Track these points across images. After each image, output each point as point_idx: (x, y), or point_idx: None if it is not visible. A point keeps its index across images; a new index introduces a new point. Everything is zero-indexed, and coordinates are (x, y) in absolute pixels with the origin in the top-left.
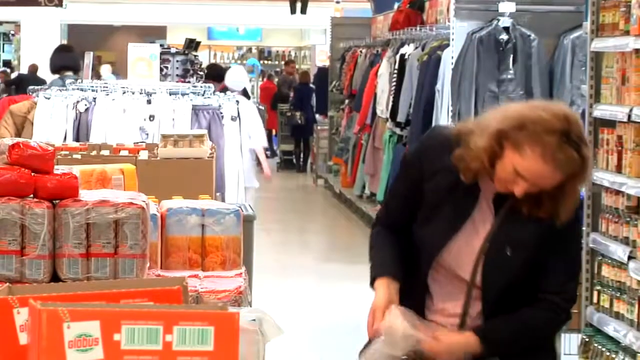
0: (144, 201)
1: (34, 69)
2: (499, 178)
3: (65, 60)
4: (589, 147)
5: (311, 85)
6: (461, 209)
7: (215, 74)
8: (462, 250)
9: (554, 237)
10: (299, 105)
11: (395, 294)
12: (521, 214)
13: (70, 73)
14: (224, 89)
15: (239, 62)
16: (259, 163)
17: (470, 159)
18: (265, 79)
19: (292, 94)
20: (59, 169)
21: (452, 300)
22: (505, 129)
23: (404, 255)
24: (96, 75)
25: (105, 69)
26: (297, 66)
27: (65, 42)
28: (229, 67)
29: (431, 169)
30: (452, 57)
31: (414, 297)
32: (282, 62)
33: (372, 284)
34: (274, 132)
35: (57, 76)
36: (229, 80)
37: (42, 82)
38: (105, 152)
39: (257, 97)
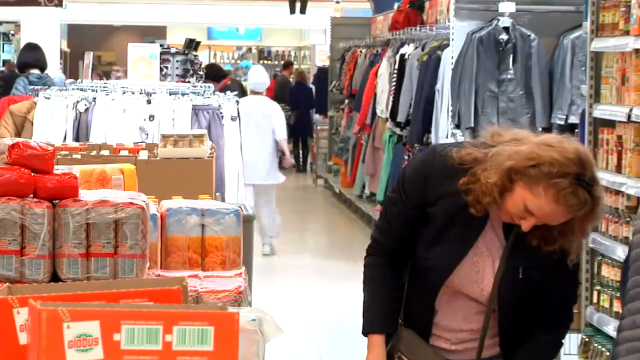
0: (144, 201)
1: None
2: (507, 211)
3: (31, 58)
4: (601, 187)
5: (310, 85)
6: (469, 233)
7: (214, 74)
8: (469, 273)
9: (560, 256)
10: (293, 105)
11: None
12: (530, 236)
13: (36, 71)
14: (224, 89)
15: (238, 62)
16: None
17: (481, 193)
18: (272, 79)
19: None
20: (59, 169)
21: (456, 316)
22: (518, 166)
23: (400, 291)
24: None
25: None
26: (296, 66)
27: (65, 42)
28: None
29: (435, 194)
30: (452, 57)
31: (420, 313)
32: (282, 63)
33: (365, 334)
34: None
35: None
36: (252, 80)
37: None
38: (105, 152)
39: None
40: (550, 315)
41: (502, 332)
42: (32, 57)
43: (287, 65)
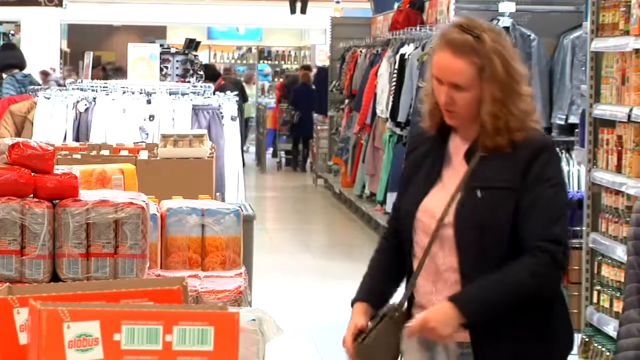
0: (144, 201)
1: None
2: (437, 99)
3: (11, 59)
4: (493, 36)
5: (313, 86)
6: (431, 171)
7: (211, 74)
8: (434, 205)
9: (527, 180)
10: (296, 105)
11: (362, 316)
12: (495, 160)
13: (17, 71)
14: (222, 89)
15: (238, 62)
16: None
17: (424, 101)
18: (282, 79)
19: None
20: (59, 169)
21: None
22: (430, 52)
23: (397, 272)
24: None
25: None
26: (297, 66)
27: (65, 42)
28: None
29: (411, 151)
30: None
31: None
32: (282, 62)
33: (351, 304)
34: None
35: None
36: None
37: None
38: (105, 152)
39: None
40: (521, 248)
41: (462, 269)
42: (14, 57)
43: (306, 68)
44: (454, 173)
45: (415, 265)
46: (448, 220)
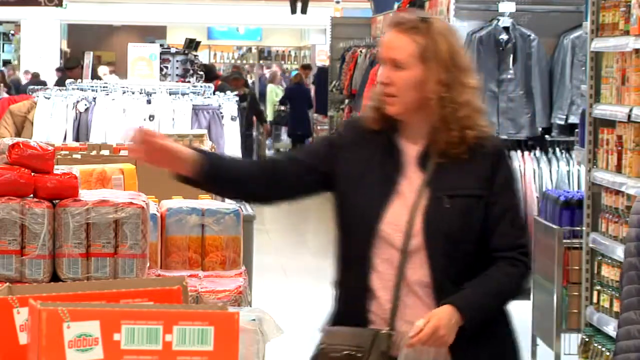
0: (144, 201)
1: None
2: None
3: None
4: (448, 27)
5: (305, 86)
6: (385, 178)
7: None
8: (396, 216)
9: (494, 188)
10: (284, 103)
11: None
12: (455, 166)
13: None
14: (221, 89)
15: (238, 62)
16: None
17: (371, 98)
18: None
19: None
20: (59, 169)
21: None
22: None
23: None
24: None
25: (103, 70)
26: (297, 66)
27: (65, 42)
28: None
29: (343, 150)
30: None
31: (357, 280)
32: (281, 62)
33: None
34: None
35: None
36: None
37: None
38: (105, 152)
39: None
40: (496, 258)
41: (434, 277)
42: None
43: (305, 67)
44: (409, 181)
45: (373, 279)
46: (416, 231)
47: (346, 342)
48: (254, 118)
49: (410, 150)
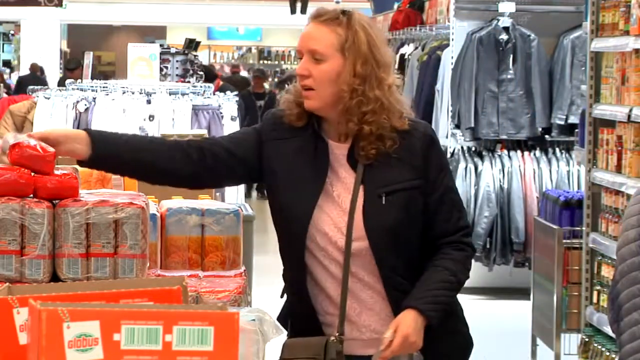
0: (144, 201)
1: (35, 68)
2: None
3: None
4: (370, 22)
5: None
6: (315, 177)
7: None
8: (335, 217)
9: (429, 175)
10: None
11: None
12: (387, 161)
13: None
14: (221, 89)
15: (238, 62)
16: None
17: (290, 92)
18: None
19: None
20: (59, 169)
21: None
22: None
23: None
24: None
25: None
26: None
27: (65, 42)
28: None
29: (269, 144)
30: (452, 57)
31: (294, 281)
32: (282, 62)
33: None
34: None
35: None
36: None
37: (43, 82)
38: None
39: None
40: (441, 244)
41: (385, 279)
42: None
43: None
44: (342, 181)
45: (318, 278)
46: (358, 231)
47: (300, 354)
48: None
49: (338, 149)
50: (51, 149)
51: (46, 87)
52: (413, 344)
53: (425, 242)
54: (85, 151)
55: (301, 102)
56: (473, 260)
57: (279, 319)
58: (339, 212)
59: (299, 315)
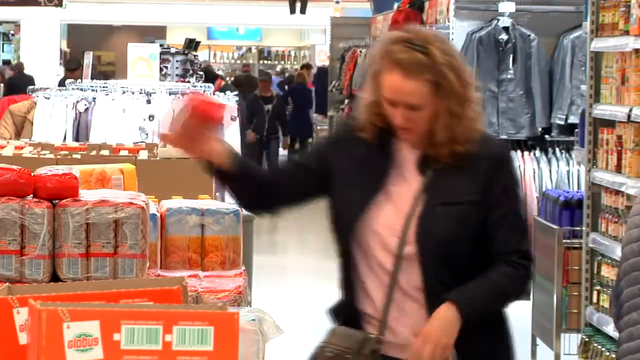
0: (144, 201)
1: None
2: (392, 120)
3: None
4: (442, 49)
5: (308, 87)
6: (376, 179)
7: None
8: (391, 219)
9: (494, 193)
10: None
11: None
12: (452, 172)
13: None
14: (223, 89)
15: (239, 62)
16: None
17: (363, 111)
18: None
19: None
20: (59, 169)
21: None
22: (373, 67)
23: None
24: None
25: None
26: (297, 66)
27: (65, 42)
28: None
29: (337, 149)
30: None
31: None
32: (282, 62)
33: None
34: None
35: None
36: None
37: (30, 79)
38: (105, 152)
39: None
40: (496, 261)
41: (426, 282)
42: None
43: (306, 67)
44: (408, 186)
45: (365, 278)
46: (410, 237)
47: (340, 342)
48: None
49: (409, 154)
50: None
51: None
52: (446, 346)
53: (481, 259)
54: (225, 154)
55: (377, 125)
56: None
57: (329, 311)
58: (397, 214)
59: (343, 310)
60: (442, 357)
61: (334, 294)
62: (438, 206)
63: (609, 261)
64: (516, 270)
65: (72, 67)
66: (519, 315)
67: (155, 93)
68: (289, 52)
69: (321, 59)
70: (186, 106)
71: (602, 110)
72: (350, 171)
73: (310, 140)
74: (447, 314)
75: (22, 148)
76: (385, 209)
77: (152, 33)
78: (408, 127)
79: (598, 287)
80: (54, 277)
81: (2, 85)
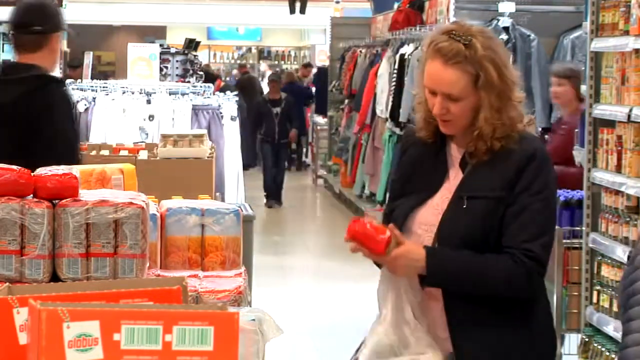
0: (144, 201)
1: None
2: (432, 112)
3: None
4: (484, 40)
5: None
6: (430, 181)
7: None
8: (429, 216)
9: (515, 189)
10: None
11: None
12: (485, 168)
13: None
14: (222, 89)
15: (239, 62)
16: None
17: (417, 109)
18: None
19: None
20: (59, 169)
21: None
22: (421, 60)
23: None
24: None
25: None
26: (297, 66)
27: (65, 42)
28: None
29: (404, 151)
30: None
31: None
32: (282, 62)
33: None
34: None
35: None
36: None
37: None
38: (105, 152)
39: None
40: (502, 252)
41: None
42: None
43: (306, 66)
44: (449, 184)
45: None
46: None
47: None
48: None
49: (456, 153)
50: (386, 234)
51: None
52: (400, 266)
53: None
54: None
55: (431, 122)
56: None
57: None
58: (434, 213)
59: None
60: (390, 268)
61: (334, 294)
62: (464, 200)
63: (609, 261)
64: (513, 264)
65: (74, 64)
66: None
67: (155, 93)
68: (289, 52)
69: (321, 59)
70: (348, 232)
71: (602, 110)
72: (408, 175)
73: (302, 137)
74: (417, 254)
75: None
76: (425, 209)
77: (152, 33)
78: (446, 117)
79: (598, 287)
80: (54, 277)
81: None
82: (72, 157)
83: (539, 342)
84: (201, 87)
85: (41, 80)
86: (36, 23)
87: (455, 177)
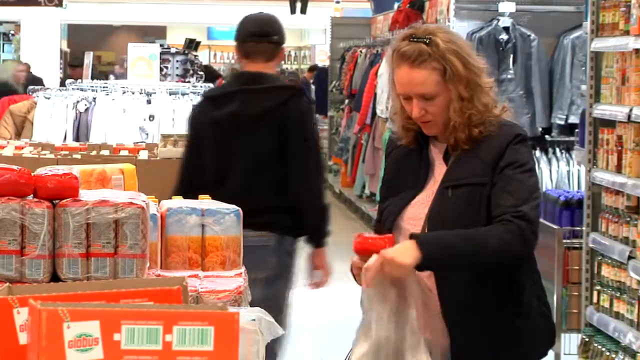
0: (144, 201)
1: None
2: (412, 116)
3: None
4: (444, 37)
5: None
6: (415, 179)
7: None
8: (416, 211)
9: (498, 166)
10: None
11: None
12: (467, 157)
13: None
14: None
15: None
16: None
17: (394, 120)
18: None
19: None
20: (59, 169)
21: None
22: (389, 70)
23: None
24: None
25: None
26: (297, 66)
27: (65, 42)
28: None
29: (390, 152)
30: None
31: None
32: (282, 62)
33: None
34: None
35: None
36: None
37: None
38: (105, 152)
39: None
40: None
41: (437, 275)
42: None
43: (312, 69)
44: (435, 178)
45: None
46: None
47: None
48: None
49: (437, 150)
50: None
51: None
52: (391, 261)
53: None
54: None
55: (410, 127)
56: None
57: None
58: (421, 208)
59: None
60: (388, 273)
61: (334, 294)
62: (449, 191)
63: (609, 261)
64: (504, 227)
65: (75, 63)
66: None
67: (155, 93)
68: (289, 52)
69: (321, 59)
70: (355, 247)
71: (602, 110)
72: (393, 181)
73: None
74: (405, 245)
75: (22, 148)
76: (413, 206)
77: (152, 33)
78: (426, 119)
79: (598, 287)
80: (54, 277)
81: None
82: (322, 161)
83: (531, 324)
84: (201, 87)
85: (290, 90)
86: (274, 33)
87: (440, 171)
